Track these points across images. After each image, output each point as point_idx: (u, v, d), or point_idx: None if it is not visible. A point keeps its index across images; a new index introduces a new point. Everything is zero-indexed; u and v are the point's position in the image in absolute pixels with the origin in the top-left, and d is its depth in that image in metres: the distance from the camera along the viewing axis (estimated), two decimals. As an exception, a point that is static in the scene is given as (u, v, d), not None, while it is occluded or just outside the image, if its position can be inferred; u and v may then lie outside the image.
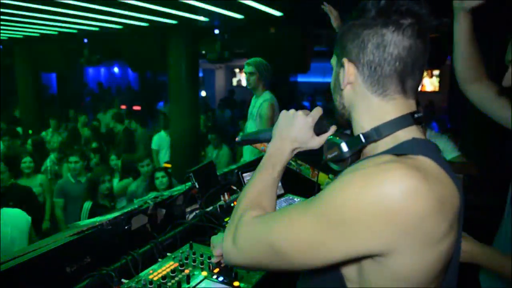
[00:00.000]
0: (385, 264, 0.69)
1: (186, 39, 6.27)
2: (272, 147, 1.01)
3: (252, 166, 2.40)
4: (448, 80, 10.15)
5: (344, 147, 0.85)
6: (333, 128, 1.00)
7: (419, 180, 0.66)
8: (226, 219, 1.94)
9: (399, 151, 0.75)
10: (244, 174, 2.29)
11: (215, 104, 12.73)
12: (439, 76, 11.23)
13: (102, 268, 1.41)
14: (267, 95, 3.52)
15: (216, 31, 6.59)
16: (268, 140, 1.06)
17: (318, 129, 1.00)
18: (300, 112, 1.00)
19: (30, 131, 7.58)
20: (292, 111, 1.01)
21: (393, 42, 0.77)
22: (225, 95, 13.39)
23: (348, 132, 0.94)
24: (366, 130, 0.83)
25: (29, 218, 3.23)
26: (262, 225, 0.82)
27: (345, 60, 0.83)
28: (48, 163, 5.49)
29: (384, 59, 0.78)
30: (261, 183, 0.97)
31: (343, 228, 0.68)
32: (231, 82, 14.89)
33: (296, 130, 0.98)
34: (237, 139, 1.18)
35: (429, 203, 0.66)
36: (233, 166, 2.50)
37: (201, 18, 5.86)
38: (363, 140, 0.82)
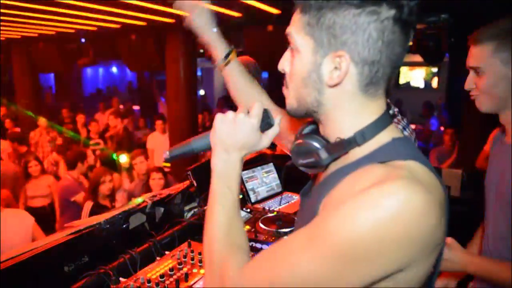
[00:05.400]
0: (396, 277, 0.66)
1: (183, 38, 6.25)
2: (218, 163, 0.87)
3: (250, 163, 2.40)
4: (446, 77, 10.16)
5: (323, 154, 0.76)
6: (277, 120, 0.90)
7: (424, 194, 0.63)
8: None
9: (385, 157, 0.71)
10: (242, 172, 2.29)
11: (214, 103, 12.70)
12: (437, 73, 11.22)
13: (100, 267, 1.41)
14: None
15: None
16: (204, 150, 0.94)
17: (264, 126, 0.88)
18: (241, 114, 0.85)
19: None
20: (230, 114, 0.86)
21: (401, 42, 0.70)
22: (223, 94, 13.36)
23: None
24: (347, 134, 0.75)
25: (32, 218, 3.25)
26: (258, 278, 0.71)
27: (344, 54, 0.70)
28: (46, 164, 5.49)
29: (390, 60, 0.70)
30: (225, 216, 0.84)
31: (360, 263, 0.63)
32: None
33: (242, 136, 0.84)
34: (164, 156, 0.97)
35: (436, 214, 0.64)
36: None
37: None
38: (345, 146, 0.74)
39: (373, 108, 0.76)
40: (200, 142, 0.95)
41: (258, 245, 1.72)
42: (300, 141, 0.81)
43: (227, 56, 1.20)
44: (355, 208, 0.63)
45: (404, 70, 11.25)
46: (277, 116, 0.91)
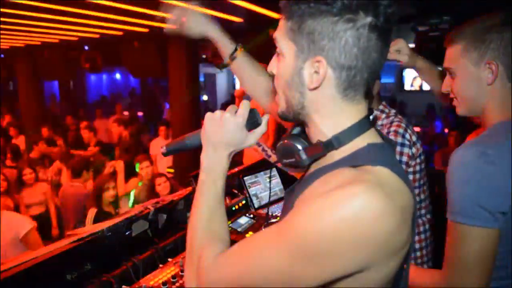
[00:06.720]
0: (357, 277, 0.69)
1: (186, 44, 6.28)
2: (205, 159, 0.92)
3: (253, 169, 2.40)
4: (450, 79, 10.12)
5: (303, 155, 0.81)
6: (265, 119, 0.93)
7: (385, 199, 0.66)
8: (228, 223, 1.93)
9: (357, 161, 0.74)
10: (245, 178, 2.28)
11: (217, 108, 12.70)
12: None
13: (102, 275, 1.40)
14: None
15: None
16: (197, 146, 0.99)
17: (250, 125, 0.92)
18: (227, 114, 0.90)
19: None
20: (218, 113, 0.91)
21: (377, 48, 0.73)
22: (227, 99, 13.39)
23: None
24: (327, 137, 0.79)
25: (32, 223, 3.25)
26: (229, 268, 0.75)
27: (321, 60, 0.73)
28: (49, 172, 5.49)
29: (367, 65, 0.73)
30: (208, 208, 0.89)
31: (320, 259, 0.66)
32: (233, 86, 14.87)
33: (228, 134, 0.90)
34: (161, 150, 1.05)
35: (396, 219, 0.67)
36: (234, 170, 2.50)
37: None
38: (323, 149, 0.79)
39: (352, 113, 0.79)
40: (192, 139, 1.01)
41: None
42: (285, 141, 0.85)
43: (233, 53, 1.29)
44: (317, 207, 0.67)
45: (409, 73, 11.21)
46: (265, 116, 0.94)
